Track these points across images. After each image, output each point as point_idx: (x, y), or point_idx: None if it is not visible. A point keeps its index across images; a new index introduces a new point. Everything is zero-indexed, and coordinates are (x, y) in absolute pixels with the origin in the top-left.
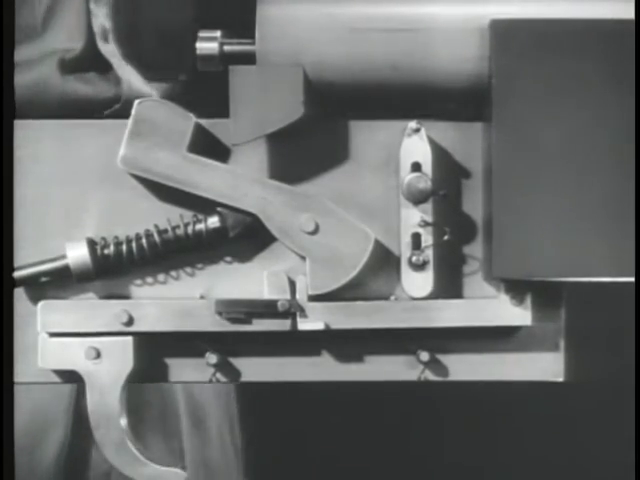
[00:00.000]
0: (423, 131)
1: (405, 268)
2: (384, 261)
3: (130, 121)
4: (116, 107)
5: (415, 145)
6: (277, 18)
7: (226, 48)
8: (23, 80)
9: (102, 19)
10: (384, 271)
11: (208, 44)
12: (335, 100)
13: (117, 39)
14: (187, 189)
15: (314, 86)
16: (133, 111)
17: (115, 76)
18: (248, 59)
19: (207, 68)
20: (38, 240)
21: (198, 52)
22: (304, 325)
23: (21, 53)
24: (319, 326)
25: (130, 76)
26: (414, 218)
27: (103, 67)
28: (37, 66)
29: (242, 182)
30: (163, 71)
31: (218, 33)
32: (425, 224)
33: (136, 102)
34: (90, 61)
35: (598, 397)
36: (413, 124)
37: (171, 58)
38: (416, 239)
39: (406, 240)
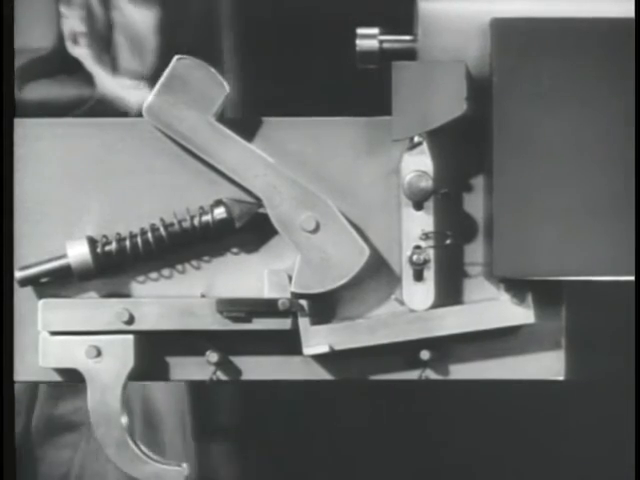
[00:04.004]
0: (425, 145)
1: (406, 280)
2: (375, 276)
3: (165, 74)
4: (90, 104)
5: (416, 159)
6: (439, 14)
7: (385, 45)
8: None
9: (74, 22)
10: (374, 285)
11: (368, 41)
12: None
13: (90, 42)
14: (202, 155)
15: (475, 82)
16: (170, 65)
17: (86, 76)
18: (407, 55)
19: (366, 65)
20: (38, 239)
21: (358, 49)
22: (309, 350)
23: None
24: (324, 349)
25: (104, 77)
26: (415, 230)
27: (73, 68)
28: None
29: (257, 164)
30: (134, 74)
31: (377, 30)
32: (426, 237)
33: (176, 57)
34: (59, 62)
35: (599, 396)
36: (415, 137)
37: (143, 61)
38: (417, 247)
39: (407, 253)
